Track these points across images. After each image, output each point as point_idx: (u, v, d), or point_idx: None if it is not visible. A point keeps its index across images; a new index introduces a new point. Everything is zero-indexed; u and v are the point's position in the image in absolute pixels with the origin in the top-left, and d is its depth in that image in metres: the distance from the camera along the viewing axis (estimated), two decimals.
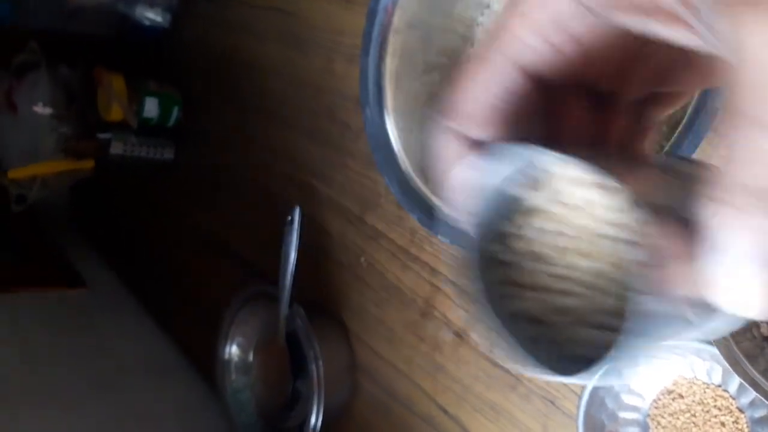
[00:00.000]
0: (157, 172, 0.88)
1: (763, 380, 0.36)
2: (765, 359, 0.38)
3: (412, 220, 0.61)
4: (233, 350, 0.68)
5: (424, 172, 0.46)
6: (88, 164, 0.86)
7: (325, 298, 0.68)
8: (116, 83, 0.82)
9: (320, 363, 0.59)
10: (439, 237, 0.44)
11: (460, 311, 0.57)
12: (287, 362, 0.63)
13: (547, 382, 0.51)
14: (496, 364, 0.54)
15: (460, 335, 0.57)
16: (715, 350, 0.39)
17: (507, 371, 0.53)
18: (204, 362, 0.76)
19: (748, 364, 0.35)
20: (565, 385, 0.50)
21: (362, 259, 0.65)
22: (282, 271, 0.61)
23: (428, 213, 0.45)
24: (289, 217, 0.60)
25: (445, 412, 0.57)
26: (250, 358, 0.68)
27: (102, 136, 0.83)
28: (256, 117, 0.77)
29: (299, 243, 0.60)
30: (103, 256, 0.97)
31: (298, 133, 0.71)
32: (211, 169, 0.82)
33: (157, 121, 0.84)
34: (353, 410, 0.64)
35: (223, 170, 0.81)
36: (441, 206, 0.45)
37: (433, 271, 0.59)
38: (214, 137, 0.83)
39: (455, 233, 0.43)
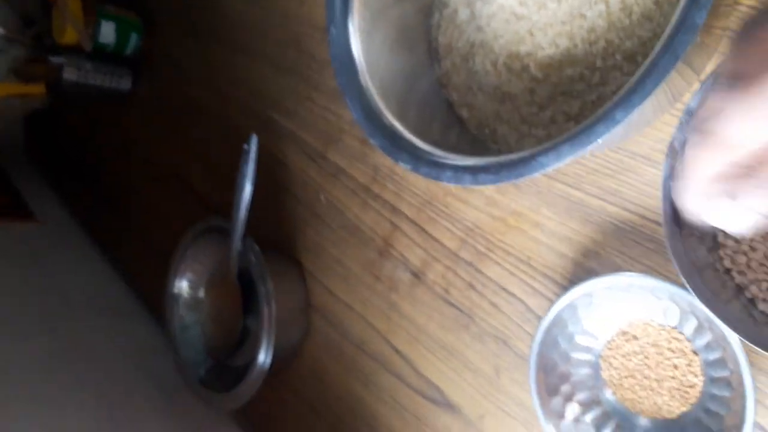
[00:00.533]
0: (113, 102, 0.83)
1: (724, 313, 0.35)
2: (727, 292, 0.36)
3: (376, 156, 0.58)
4: (183, 286, 0.66)
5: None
6: (39, 88, 0.81)
7: (281, 236, 0.65)
8: (72, 4, 0.77)
9: (272, 301, 0.57)
10: (401, 164, 0.41)
11: (418, 250, 0.55)
12: (238, 299, 0.61)
13: (501, 323, 0.49)
14: (451, 304, 0.52)
15: (417, 275, 0.55)
16: (673, 288, 0.38)
17: (461, 311, 0.52)
18: (155, 301, 0.73)
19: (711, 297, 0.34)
20: (518, 325, 0.49)
21: (322, 197, 0.62)
22: (236, 204, 0.58)
23: (391, 139, 0.43)
24: (246, 146, 0.57)
25: (397, 351, 0.56)
26: (201, 294, 0.66)
27: (54, 59, 0.78)
28: (219, 46, 0.73)
29: (255, 174, 0.57)
30: (56, 189, 0.93)
31: (262, 64, 0.67)
32: (170, 101, 0.78)
33: (114, 48, 0.80)
34: (305, 350, 0.62)
35: (182, 102, 0.77)
36: (404, 132, 0.43)
37: (394, 209, 0.57)
38: (174, 67, 0.79)
39: (417, 161, 0.41)
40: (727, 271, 0.38)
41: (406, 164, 0.41)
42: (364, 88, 0.44)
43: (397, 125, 0.44)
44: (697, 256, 0.36)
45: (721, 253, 0.38)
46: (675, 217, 0.36)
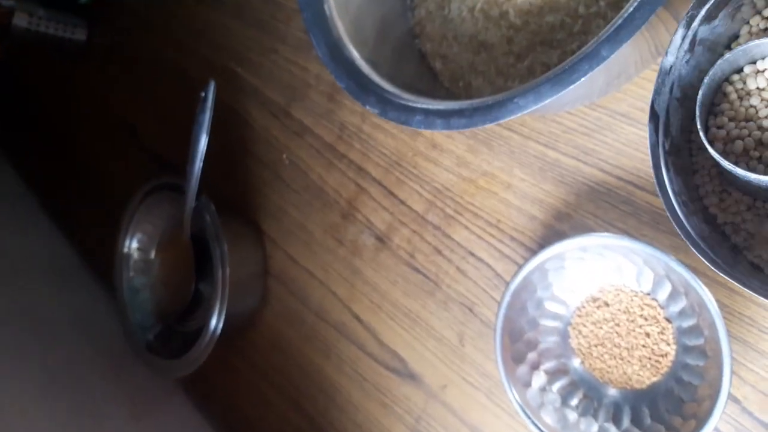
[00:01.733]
0: (67, 53, 0.78)
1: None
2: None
3: (343, 113, 0.55)
4: (133, 246, 0.62)
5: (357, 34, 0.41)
6: None
7: (241, 198, 0.62)
8: None
9: (226, 263, 0.54)
10: (368, 108, 0.38)
11: (384, 213, 0.52)
12: (191, 261, 0.57)
13: (467, 289, 0.47)
14: (416, 270, 0.50)
15: (381, 239, 0.52)
16: (649, 249, 0.36)
17: (426, 277, 0.49)
18: (103, 264, 0.69)
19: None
20: (484, 291, 0.46)
21: (285, 157, 0.59)
22: (191, 156, 0.54)
23: (358, 82, 0.39)
24: (203, 93, 0.53)
25: (359, 320, 0.53)
26: (152, 256, 0.62)
27: (3, 2, 0.73)
28: None
29: (211, 124, 0.53)
30: (1, 145, 0.87)
31: (224, 13, 0.63)
32: (127, 53, 0.74)
33: None
34: (262, 319, 0.59)
35: (139, 54, 0.72)
36: (373, 75, 0.40)
37: (360, 170, 0.54)
38: (132, 17, 0.74)
39: (385, 104, 0.38)
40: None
41: (374, 108, 0.38)
42: (331, 25, 0.41)
43: (366, 68, 0.41)
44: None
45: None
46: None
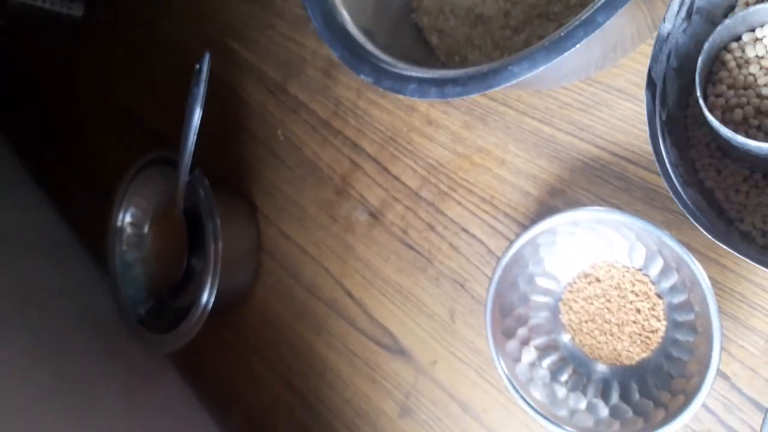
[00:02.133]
0: (64, 29, 0.78)
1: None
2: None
3: (338, 89, 0.55)
4: (126, 220, 0.62)
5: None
6: None
7: (235, 174, 0.61)
8: None
9: (219, 238, 0.53)
10: (362, 77, 0.38)
11: (378, 190, 0.52)
12: (184, 236, 0.57)
13: (459, 265, 0.47)
14: (408, 246, 0.50)
15: (375, 215, 0.52)
16: (641, 223, 0.36)
17: (419, 253, 0.49)
18: (97, 239, 0.68)
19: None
20: (477, 267, 0.46)
21: (279, 132, 0.59)
22: (185, 130, 0.54)
23: (352, 51, 0.39)
24: (197, 66, 0.52)
25: (351, 296, 0.53)
26: (145, 231, 0.62)
27: None
28: None
29: (206, 97, 0.53)
30: None
31: None
32: (123, 29, 0.73)
33: None
34: (254, 294, 0.59)
35: (136, 30, 0.72)
36: (368, 44, 0.39)
37: (355, 146, 0.54)
38: None
39: (379, 73, 0.38)
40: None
41: (368, 77, 0.38)
42: None
43: (361, 37, 0.40)
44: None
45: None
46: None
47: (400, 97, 0.51)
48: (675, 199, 0.32)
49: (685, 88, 0.34)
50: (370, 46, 0.39)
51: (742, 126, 0.32)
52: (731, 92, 0.32)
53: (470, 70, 0.34)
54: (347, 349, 0.52)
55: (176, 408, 0.62)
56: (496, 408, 0.44)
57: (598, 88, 0.42)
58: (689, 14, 0.32)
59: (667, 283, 0.38)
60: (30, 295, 0.68)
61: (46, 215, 0.76)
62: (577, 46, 0.30)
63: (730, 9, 0.34)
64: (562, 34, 0.31)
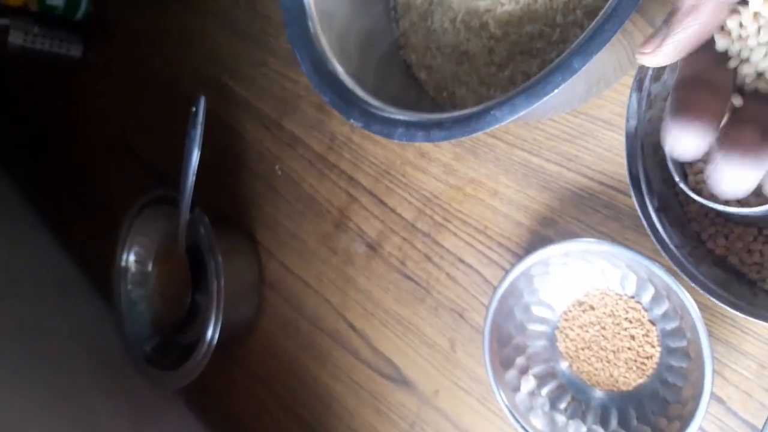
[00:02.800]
0: (63, 69, 0.79)
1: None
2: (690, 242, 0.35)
3: (333, 124, 0.56)
4: (131, 259, 0.63)
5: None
6: None
7: (235, 209, 0.63)
8: None
9: (221, 274, 0.54)
10: (352, 121, 0.39)
11: (375, 222, 0.53)
12: (187, 273, 0.58)
13: (457, 295, 0.48)
14: (407, 277, 0.50)
15: (373, 247, 0.53)
16: (630, 253, 0.36)
17: (417, 284, 0.50)
18: (101, 275, 0.70)
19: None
20: (474, 296, 0.47)
21: (277, 168, 0.60)
22: (184, 170, 0.55)
23: (342, 96, 0.40)
24: (194, 108, 0.54)
25: (353, 328, 0.53)
26: (149, 268, 0.63)
27: None
28: (172, 10, 0.69)
29: (203, 138, 0.54)
30: (0, 159, 0.89)
31: (216, 27, 0.64)
32: (121, 69, 0.75)
33: (64, 11, 0.75)
34: (258, 327, 0.60)
35: (133, 69, 0.73)
36: (357, 89, 0.40)
37: (351, 179, 0.55)
38: (126, 32, 0.75)
39: (369, 118, 0.39)
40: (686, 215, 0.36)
41: (358, 121, 0.39)
42: (315, 40, 0.42)
43: (350, 82, 0.42)
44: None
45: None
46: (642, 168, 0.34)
47: None
48: (694, 284, 0.32)
49: (667, 171, 0.35)
50: (359, 92, 0.40)
51: None
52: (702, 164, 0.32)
53: (454, 114, 0.35)
54: (352, 380, 0.53)
55: None
56: None
57: (584, 120, 0.42)
58: (649, 105, 0.33)
59: (659, 310, 0.39)
60: (37, 333, 0.69)
61: (51, 252, 0.78)
62: (555, 91, 0.31)
63: None
64: (540, 79, 0.32)
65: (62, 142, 0.82)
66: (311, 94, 0.58)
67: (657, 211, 0.33)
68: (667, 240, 0.33)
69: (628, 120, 0.33)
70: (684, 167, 0.34)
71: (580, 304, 0.42)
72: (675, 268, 0.32)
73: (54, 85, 0.83)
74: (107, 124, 0.76)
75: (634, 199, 0.33)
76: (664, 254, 0.32)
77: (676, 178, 0.30)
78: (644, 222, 0.33)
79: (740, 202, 0.32)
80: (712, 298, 0.32)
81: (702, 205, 0.35)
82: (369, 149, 0.54)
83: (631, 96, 0.33)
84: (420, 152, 0.51)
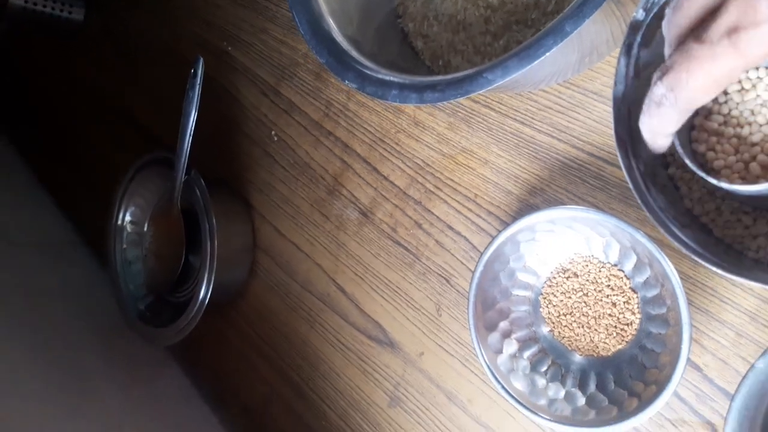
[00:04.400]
0: (64, 33, 0.79)
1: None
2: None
3: (329, 91, 0.57)
4: (127, 219, 0.64)
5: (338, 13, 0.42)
6: None
7: (231, 174, 0.63)
8: None
9: (215, 236, 0.55)
10: (347, 83, 0.40)
11: (368, 189, 0.54)
12: (181, 233, 0.59)
13: (445, 261, 0.49)
14: (397, 243, 0.51)
15: (365, 214, 0.54)
16: (615, 221, 0.37)
17: (407, 250, 0.51)
18: (96, 237, 0.70)
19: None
20: (461, 263, 0.48)
21: (273, 134, 0.60)
22: (181, 131, 0.55)
23: (338, 58, 0.41)
24: (192, 70, 0.54)
25: (343, 291, 0.54)
26: (145, 229, 0.64)
27: None
28: None
29: (201, 103, 0.54)
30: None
31: None
32: (122, 33, 0.75)
33: None
34: (250, 290, 0.61)
35: (134, 34, 0.74)
36: (352, 51, 0.41)
37: (346, 147, 0.55)
38: None
39: (363, 80, 0.40)
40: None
41: (353, 83, 0.40)
42: (313, 3, 0.42)
43: (347, 44, 0.42)
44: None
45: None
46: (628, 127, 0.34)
47: None
48: (677, 244, 0.32)
49: None
50: (354, 53, 0.41)
51: (725, 171, 0.32)
52: (713, 139, 0.33)
53: (448, 76, 0.36)
54: (340, 342, 0.54)
55: (175, 400, 0.64)
56: (480, 397, 0.46)
57: (575, 91, 0.43)
58: (637, 72, 0.34)
59: (640, 278, 0.40)
60: (32, 292, 0.70)
61: (48, 214, 0.78)
62: (547, 54, 0.32)
63: None
64: (533, 42, 0.33)
65: (61, 105, 0.82)
66: (309, 61, 0.58)
67: (643, 176, 0.34)
68: (651, 202, 0.33)
69: (615, 84, 0.34)
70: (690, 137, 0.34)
71: (564, 271, 0.43)
72: (659, 227, 0.33)
73: (54, 48, 0.83)
74: (106, 88, 0.76)
75: (621, 162, 0.33)
76: (648, 214, 0.33)
77: (678, 147, 0.31)
78: (630, 184, 0.33)
79: (730, 179, 0.32)
80: (694, 257, 0.32)
81: (691, 174, 0.36)
82: (365, 117, 0.54)
83: (619, 60, 0.34)
84: (414, 121, 0.51)
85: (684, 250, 0.32)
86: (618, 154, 0.34)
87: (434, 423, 0.48)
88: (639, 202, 0.33)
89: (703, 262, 0.32)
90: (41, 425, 0.55)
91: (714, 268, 0.32)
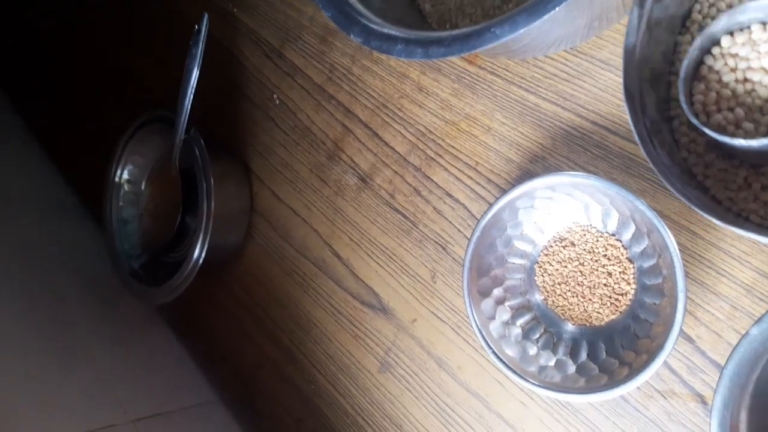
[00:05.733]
0: None
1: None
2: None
3: (333, 55, 0.56)
4: (124, 177, 0.63)
5: None
6: None
7: (230, 136, 0.63)
8: None
9: (212, 197, 0.55)
10: (352, 37, 0.39)
11: (368, 154, 0.53)
12: (178, 193, 0.59)
13: (442, 228, 0.48)
14: (395, 209, 0.51)
15: (364, 179, 0.53)
16: (615, 188, 0.37)
17: (405, 216, 0.50)
18: (93, 196, 0.70)
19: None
20: (458, 230, 0.48)
21: (275, 97, 0.60)
22: (182, 89, 0.55)
23: (343, 11, 0.40)
24: (197, 27, 0.54)
25: (338, 256, 0.54)
26: (142, 188, 0.63)
27: None
28: None
29: (203, 63, 0.54)
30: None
31: None
32: None
33: None
34: (245, 253, 0.61)
35: None
36: (358, 5, 0.40)
37: (348, 112, 0.55)
38: None
39: (368, 34, 0.39)
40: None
41: (357, 37, 0.39)
42: None
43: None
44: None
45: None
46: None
47: (391, 61, 0.52)
48: (680, 197, 0.32)
49: (661, 97, 0.35)
50: (360, 7, 0.40)
51: (729, 127, 0.33)
52: (713, 94, 0.33)
53: (455, 32, 0.36)
54: (332, 307, 0.54)
55: (167, 361, 0.64)
56: (470, 364, 0.46)
57: (583, 59, 0.43)
58: (649, 28, 0.33)
59: (638, 248, 0.40)
60: (28, 247, 0.70)
61: (46, 173, 0.78)
62: (557, 9, 0.32)
63: (687, 17, 0.35)
64: None
65: (61, 65, 0.81)
66: (314, 24, 0.57)
67: (649, 132, 0.34)
68: (657, 156, 0.33)
69: (627, 35, 0.33)
70: (692, 90, 0.34)
71: (561, 239, 0.43)
72: (663, 180, 0.33)
73: (57, 8, 0.82)
74: (107, 47, 0.75)
75: (628, 115, 0.33)
76: (653, 166, 0.33)
77: (684, 103, 0.31)
78: (636, 137, 0.33)
79: (729, 133, 0.33)
80: (695, 208, 0.32)
81: (693, 134, 0.36)
82: (368, 81, 0.54)
83: (632, 11, 0.33)
84: (418, 86, 0.51)
85: (685, 201, 0.32)
86: (625, 105, 0.33)
87: (423, 389, 0.48)
88: (643, 153, 0.33)
89: (704, 214, 0.32)
90: (33, 378, 0.55)
91: (716, 220, 0.32)
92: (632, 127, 0.32)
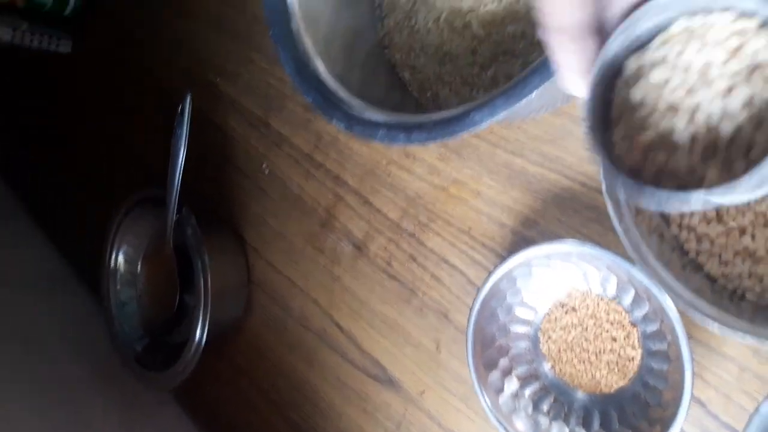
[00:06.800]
0: (51, 65, 0.79)
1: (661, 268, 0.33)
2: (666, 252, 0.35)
3: (319, 123, 0.56)
4: (120, 259, 0.63)
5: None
6: None
7: (222, 208, 0.62)
8: None
9: (208, 274, 0.54)
10: (334, 122, 0.39)
11: (361, 222, 0.53)
12: (174, 273, 0.58)
13: (441, 295, 0.48)
14: (392, 277, 0.50)
15: (359, 247, 0.53)
16: (611, 256, 0.36)
17: (403, 284, 0.50)
18: (91, 275, 0.70)
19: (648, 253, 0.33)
20: (458, 297, 0.47)
21: (264, 166, 0.60)
22: (171, 170, 0.55)
23: (325, 97, 0.40)
24: (180, 107, 0.53)
25: (340, 327, 0.53)
26: (138, 269, 0.63)
27: None
28: (161, 8, 0.69)
29: (190, 136, 0.54)
30: None
31: (204, 25, 0.64)
32: (110, 65, 0.74)
33: (52, 7, 0.75)
34: (247, 326, 0.60)
35: (122, 66, 0.73)
36: (340, 90, 0.40)
37: (337, 179, 0.55)
38: (115, 29, 0.74)
39: (350, 119, 0.39)
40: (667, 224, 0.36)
41: (340, 122, 0.39)
42: (299, 40, 0.41)
43: (333, 83, 0.41)
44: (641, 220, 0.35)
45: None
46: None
47: None
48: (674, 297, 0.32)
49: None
50: (341, 93, 0.40)
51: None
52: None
53: (434, 116, 0.35)
54: (339, 380, 0.53)
55: None
56: None
57: (566, 120, 0.42)
58: None
59: (640, 312, 0.39)
60: (28, 329, 0.69)
61: (44, 252, 0.77)
62: (533, 93, 0.31)
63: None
64: (519, 81, 0.32)
65: (52, 136, 0.81)
66: (297, 93, 0.57)
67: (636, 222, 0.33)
68: (643, 249, 0.33)
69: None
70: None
71: (563, 305, 0.42)
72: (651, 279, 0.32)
73: (43, 81, 0.82)
74: (97, 122, 0.76)
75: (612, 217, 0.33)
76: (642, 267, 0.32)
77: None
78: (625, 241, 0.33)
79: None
80: (690, 310, 0.31)
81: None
82: (355, 149, 0.53)
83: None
84: (405, 152, 0.50)
85: (680, 304, 0.32)
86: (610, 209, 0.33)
87: None
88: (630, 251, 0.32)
89: (698, 316, 0.31)
90: None
91: (711, 322, 0.31)
92: (618, 230, 0.32)
